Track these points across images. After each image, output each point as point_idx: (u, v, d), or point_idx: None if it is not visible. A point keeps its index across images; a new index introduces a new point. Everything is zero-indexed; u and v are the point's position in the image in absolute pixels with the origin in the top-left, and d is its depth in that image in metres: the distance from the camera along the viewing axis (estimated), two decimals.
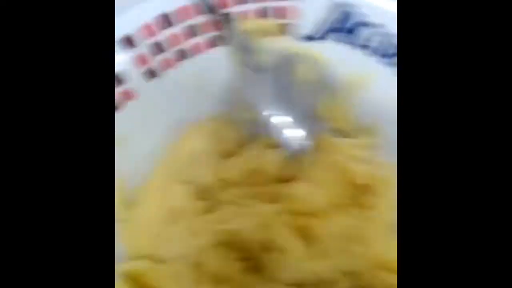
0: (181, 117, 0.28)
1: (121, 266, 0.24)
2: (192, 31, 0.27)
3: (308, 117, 0.28)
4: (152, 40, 0.26)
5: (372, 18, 0.26)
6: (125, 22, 0.25)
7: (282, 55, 0.28)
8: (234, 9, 0.27)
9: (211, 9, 0.26)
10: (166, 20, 0.26)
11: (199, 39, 0.27)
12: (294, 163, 0.27)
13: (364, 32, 0.27)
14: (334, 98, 0.28)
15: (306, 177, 0.25)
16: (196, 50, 0.28)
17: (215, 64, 0.28)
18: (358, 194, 0.24)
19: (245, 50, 0.28)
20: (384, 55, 0.27)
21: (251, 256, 0.24)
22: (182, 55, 0.28)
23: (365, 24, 0.27)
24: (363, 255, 0.22)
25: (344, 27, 0.27)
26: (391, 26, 0.26)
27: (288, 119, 0.28)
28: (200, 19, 0.27)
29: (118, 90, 0.25)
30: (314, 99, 0.28)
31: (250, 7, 0.27)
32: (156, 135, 0.28)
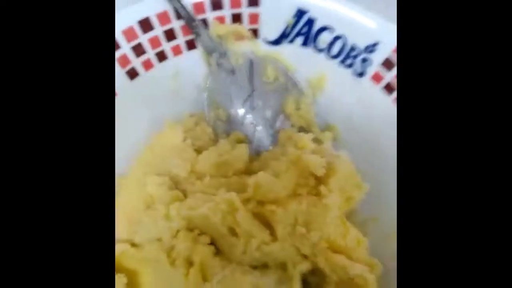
0: (159, 115, 0.31)
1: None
2: (171, 34, 0.29)
3: (274, 115, 0.31)
4: (135, 42, 0.28)
5: (334, 25, 0.29)
6: None
7: (251, 58, 0.30)
8: (209, 15, 0.29)
9: (187, 14, 0.28)
10: (147, 24, 0.28)
11: (178, 41, 0.30)
12: (260, 157, 0.29)
13: (326, 38, 0.29)
14: (297, 98, 0.31)
15: (269, 169, 0.27)
16: (175, 52, 0.30)
17: (192, 66, 0.31)
18: (313, 183, 0.26)
19: (218, 53, 0.30)
20: (344, 59, 0.29)
21: (218, 240, 0.26)
22: (162, 56, 0.30)
23: (327, 30, 0.29)
24: (317, 239, 0.25)
25: (309, 33, 0.29)
26: (352, 33, 0.28)
27: (257, 117, 0.31)
28: (178, 23, 0.29)
29: None
30: (280, 99, 0.31)
31: (224, 13, 0.30)
32: (136, 131, 0.30)
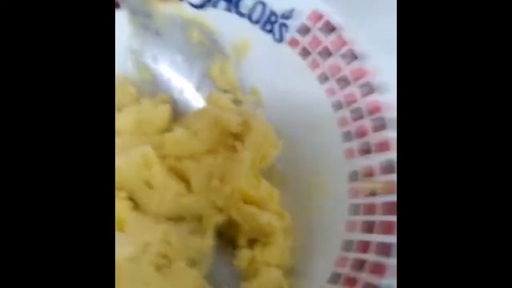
0: None
1: None
2: None
3: (200, 78, 0.31)
4: None
5: None
6: None
7: (177, 20, 0.31)
8: None
9: None
10: None
11: None
12: (182, 116, 0.30)
13: (248, 2, 0.30)
14: (222, 62, 0.32)
15: (187, 126, 0.28)
16: None
17: (117, 27, 0.31)
18: (228, 139, 0.28)
19: (143, 15, 0.30)
20: (264, 25, 0.30)
21: (135, 194, 0.27)
22: None
23: None
24: (231, 191, 0.26)
25: None
26: None
27: (182, 78, 0.31)
28: None
29: None
30: (205, 62, 0.31)
31: None
32: None
